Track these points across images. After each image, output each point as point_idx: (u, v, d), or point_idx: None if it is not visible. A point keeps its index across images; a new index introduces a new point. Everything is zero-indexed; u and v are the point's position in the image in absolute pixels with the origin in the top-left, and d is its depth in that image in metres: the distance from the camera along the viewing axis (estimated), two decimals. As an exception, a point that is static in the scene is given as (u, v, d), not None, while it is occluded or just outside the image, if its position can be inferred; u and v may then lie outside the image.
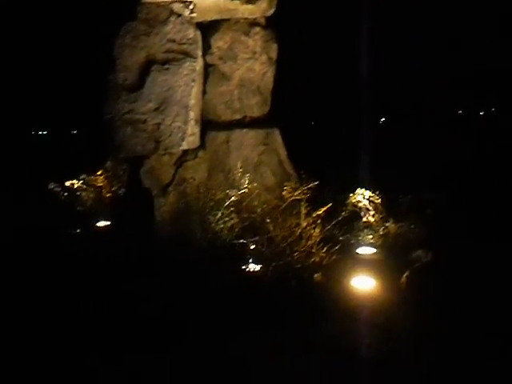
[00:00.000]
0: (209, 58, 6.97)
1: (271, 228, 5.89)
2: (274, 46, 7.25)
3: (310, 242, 5.76)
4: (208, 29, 6.99)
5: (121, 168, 8.20)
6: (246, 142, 6.99)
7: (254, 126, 7.11)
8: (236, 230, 6.07)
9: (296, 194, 6.25)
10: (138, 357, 4.18)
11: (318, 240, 5.78)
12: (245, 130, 7.01)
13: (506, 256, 5.63)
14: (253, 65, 7.11)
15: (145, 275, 5.39)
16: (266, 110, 7.33)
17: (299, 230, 5.86)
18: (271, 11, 7.09)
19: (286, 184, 6.54)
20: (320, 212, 6.02)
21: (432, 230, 6.39)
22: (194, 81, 6.47)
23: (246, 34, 7.05)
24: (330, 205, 6.17)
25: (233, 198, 6.16)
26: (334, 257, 5.68)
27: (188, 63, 6.46)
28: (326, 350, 4.23)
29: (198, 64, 6.58)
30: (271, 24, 7.28)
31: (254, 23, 7.11)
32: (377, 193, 6.80)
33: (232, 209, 6.15)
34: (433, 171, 8.94)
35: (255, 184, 6.45)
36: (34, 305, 5.08)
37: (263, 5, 6.80)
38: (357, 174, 7.58)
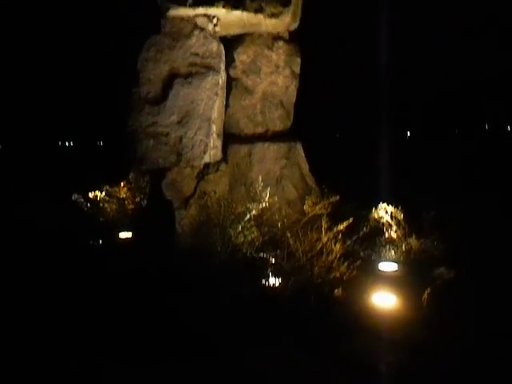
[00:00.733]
0: (232, 72, 7.01)
1: (292, 242, 5.86)
2: (298, 60, 7.26)
3: (330, 257, 5.72)
4: (231, 43, 7.05)
5: (143, 180, 8.23)
6: (268, 156, 6.99)
7: (276, 140, 7.11)
8: (256, 243, 6.05)
9: (317, 208, 6.24)
10: (161, 367, 4.20)
11: (338, 255, 5.73)
12: (267, 144, 7.01)
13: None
14: (276, 79, 7.13)
15: (165, 288, 5.39)
16: (288, 123, 7.33)
17: (320, 245, 5.82)
18: (295, 25, 7.11)
19: (307, 198, 6.53)
20: (341, 227, 5.98)
21: (455, 247, 6.30)
22: (216, 94, 6.49)
23: (270, 47, 7.08)
24: (352, 220, 6.12)
25: (254, 212, 6.14)
26: (354, 272, 5.63)
27: (211, 77, 6.50)
28: (345, 366, 4.19)
29: (221, 78, 6.61)
30: (294, 38, 7.30)
31: (277, 37, 7.14)
32: (399, 208, 6.72)
33: (253, 222, 6.14)
34: (457, 186, 8.85)
35: (276, 198, 6.44)
36: (56, 316, 5.11)
37: (287, 19, 6.80)
38: (379, 189, 7.53)
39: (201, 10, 6.46)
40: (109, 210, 8.17)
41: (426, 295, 5.24)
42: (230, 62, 6.96)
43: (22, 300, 5.42)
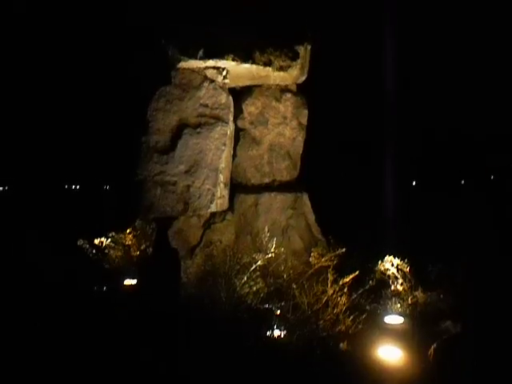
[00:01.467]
0: (240, 123, 7.11)
1: (297, 294, 5.83)
2: (305, 112, 7.37)
3: (336, 310, 5.69)
4: (240, 94, 7.18)
5: (149, 227, 8.27)
6: (275, 206, 7.02)
7: (282, 190, 7.15)
8: (261, 294, 6.03)
9: (323, 260, 6.23)
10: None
11: (344, 308, 5.71)
12: (273, 194, 7.05)
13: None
14: (283, 130, 7.22)
15: (169, 337, 5.35)
16: (295, 174, 7.38)
17: (326, 298, 5.79)
18: (302, 78, 7.24)
19: (313, 249, 6.53)
20: (347, 279, 5.96)
21: (462, 300, 6.24)
22: (224, 145, 6.58)
23: (278, 99, 7.20)
24: (358, 272, 6.10)
25: (259, 263, 6.14)
26: (360, 326, 5.59)
27: (220, 127, 6.59)
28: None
29: (230, 128, 6.70)
30: (302, 90, 7.42)
31: (285, 89, 7.26)
32: (406, 260, 6.70)
33: (258, 273, 6.13)
34: (465, 238, 8.81)
35: (282, 248, 6.44)
36: (59, 364, 5.06)
37: (295, 72, 6.93)
38: (386, 240, 7.51)
39: (211, 63, 6.59)
40: (114, 256, 8.18)
41: (432, 350, 5.19)
42: (238, 112, 7.08)
43: (24, 349, 5.38)
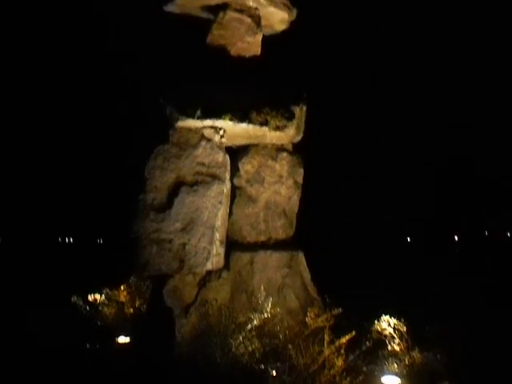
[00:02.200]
0: (236, 181, 7.17)
1: (293, 355, 5.76)
2: (301, 171, 7.46)
3: (333, 372, 5.61)
4: (236, 152, 7.27)
5: (144, 284, 8.23)
6: (270, 264, 7.01)
7: (278, 248, 7.15)
8: (257, 354, 5.96)
9: (319, 320, 6.18)
10: None
11: (341, 369, 5.64)
12: (269, 252, 7.04)
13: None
14: (279, 188, 7.28)
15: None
16: (290, 232, 7.41)
17: (322, 359, 5.73)
18: (298, 138, 7.36)
19: (309, 309, 6.48)
20: (344, 340, 5.90)
21: (458, 361, 6.18)
22: (221, 203, 6.61)
23: (274, 158, 7.29)
24: (354, 333, 6.04)
25: (255, 322, 6.09)
26: (357, 387, 5.52)
27: (216, 186, 6.64)
28: None
29: (226, 187, 6.75)
30: (298, 149, 7.52)
31: (281, 148, 7.37)
32: (402, 320, 6.66)
33: (254, 333, 6.07)
34: (462, 298, 8.79)
35: (278, 308, 6.41)
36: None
37: (291, 132, 7.04)
38: (382, 299, 7.49)
39: (208, 122, 6.69)
40: (108, 313, 8.11)
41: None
42: (234, 171, 7.14)
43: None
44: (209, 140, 6.78)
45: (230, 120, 6.63)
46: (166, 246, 6.50)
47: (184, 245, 6.49)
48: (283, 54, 8.43)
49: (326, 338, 5.86)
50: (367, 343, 6.13)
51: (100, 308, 8.22)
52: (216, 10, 7.37)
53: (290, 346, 5.85)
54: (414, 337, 6.60)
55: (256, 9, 7.41)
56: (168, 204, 6.62)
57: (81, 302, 8.23)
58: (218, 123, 6.72)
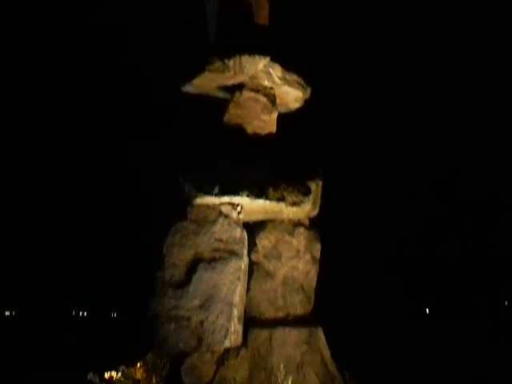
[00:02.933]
0: (254, 256, 7.18)
1: None
2: (318, 246, 7.49)
3: None
4: (254, 228, 7.32)
5: (161, 361, 8.09)
6: (289, 341, 6.89)
7: (297, 325, 7.07)
8: None
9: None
10: None
11: None
12: (288, 329, 6.95)
13: None
14: (297, 263, 7.28)
15: None
16: (309, 308, 7.34)
17: None
18: (314, 213, 7.43)
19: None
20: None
21: None
22: (238, 279, 6.62)
23: (291, 233, 7.33)
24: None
25: (275, 402, 5.97)
26: None
27: (234, 262, 6.67)
28: None
29: (244, 263, 6.78)
30: (315, 224, 7.57)
31: (298, 224, 7.42)
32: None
33: (274, 414, 5.94)
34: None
35: (298, 386, 6.29)
36: None
37: (307, 207, 7.12)
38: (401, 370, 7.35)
39: (226, 199, 6.81)
40: (124, 392, 7.95)
41: None
42: (252, 246, 7.17)
43: None
44: (226, 216, 6.86)
45: (248, 196, 6.74)
46: (184, 323, 6.48)
47: (202, 322, 6.46)
48: (299, 130, 8.63)
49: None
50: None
51: (116, 386, 8.06)
52: (232, 89, 7.64)
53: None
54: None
55: (271, 88, 7.65)
56: (186, 281, 6.64)
57: (97, 380, 8.09)
58: (236, 199, 6.82)
